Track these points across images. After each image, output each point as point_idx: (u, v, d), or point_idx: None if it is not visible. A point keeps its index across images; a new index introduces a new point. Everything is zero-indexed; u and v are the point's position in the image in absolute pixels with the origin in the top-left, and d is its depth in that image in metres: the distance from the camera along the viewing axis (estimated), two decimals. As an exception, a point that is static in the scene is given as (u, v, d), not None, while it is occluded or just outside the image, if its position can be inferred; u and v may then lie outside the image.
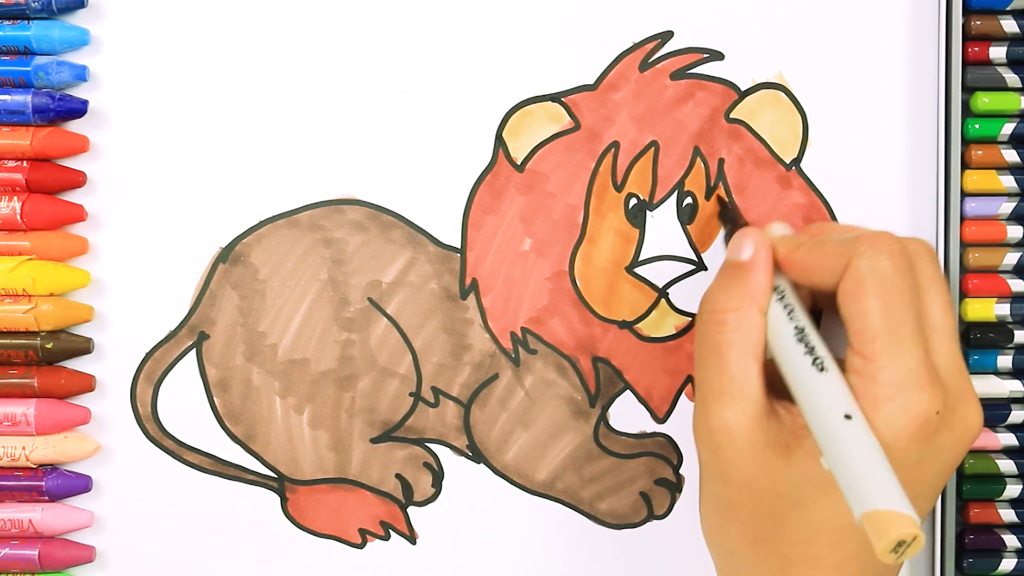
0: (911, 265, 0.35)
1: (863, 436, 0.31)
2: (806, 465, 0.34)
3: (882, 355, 0.34)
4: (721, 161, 0.43)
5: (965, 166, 0.43)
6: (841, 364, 0.34)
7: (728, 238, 0.40)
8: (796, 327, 0.35)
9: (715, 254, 0.43)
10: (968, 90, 0.43)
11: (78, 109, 0.42)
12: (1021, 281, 0.43)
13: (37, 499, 0.43)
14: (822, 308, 0.39)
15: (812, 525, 0.35)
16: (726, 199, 0.42)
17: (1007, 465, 0.43)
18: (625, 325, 0.43)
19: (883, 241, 0.35)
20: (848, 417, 0.32)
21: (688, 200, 0.43)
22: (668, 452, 0.44)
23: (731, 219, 0.41)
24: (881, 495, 0.30)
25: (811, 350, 0.34)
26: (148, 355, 0.43)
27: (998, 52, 0.43)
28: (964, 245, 0.43)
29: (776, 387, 0.36)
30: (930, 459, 0.35)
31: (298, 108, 0.43)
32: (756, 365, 0.35)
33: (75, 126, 0.43)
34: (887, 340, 0.34)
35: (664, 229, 0.43)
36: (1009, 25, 0.43)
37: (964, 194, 0.43)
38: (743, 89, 0.43)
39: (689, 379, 0.44)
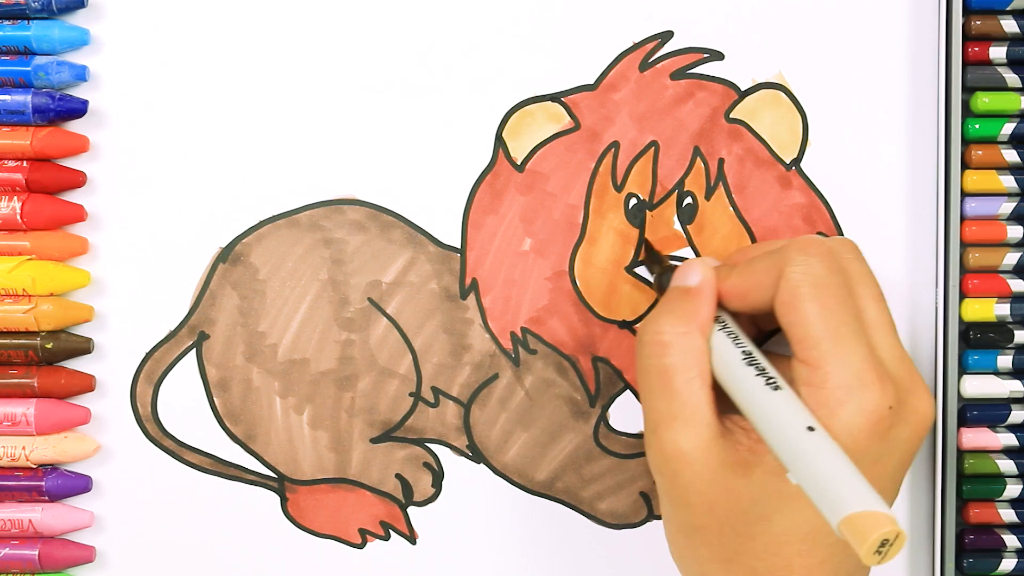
0: (841, 265, 0.35)
1: (827, 446, 0.31)
2: (767, 480, 0.34)
3: (827, 359, 0.34)
4: (721, 161, 0.43)
5: (965, 166, 0.43)
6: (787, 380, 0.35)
7: (657, 281, 0.41)
8: (743, 351, 0.35)
9: (715, 254, 0.43)
10: (968, 90, 0.43)
11: (78, 109, 0.42)
12: (1021, 281, 0.43)
13: (37, 499, 0.43)
14: (762, 337, 0.40)
15: (779, 536, 0.35)
16: (652, 244, 0.42)
17: (1007, 465, 0.43)
18: (625, 325, 0.43)
19: (810, 246, 0.35)
20: (811, 429, 0.32)
21: (688, 200, 0.43)
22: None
23: (658, 260, 0.41)
24: (855, 499, 0.29)
25: (762, 371, 0.34)
26: (148, 355, 0.43)
27: (998, 52, 0.43)
28: (964, 245, 0.43)
29: (723, 406, 0.36)
30: (888, 455, 0.35)
31: (298, 108, 0.43)
32: (704, 388, 0.35)
33: (75, 126, 0.43)
34: (830, 343, 0.34)
35: (664, 229, 0.43)
36: (1009, 25, 0.43)
37: (964, 194, 0.43)
38: (743, 89, 0.43)
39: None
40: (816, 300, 0.34)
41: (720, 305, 0.37)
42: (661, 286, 0.40)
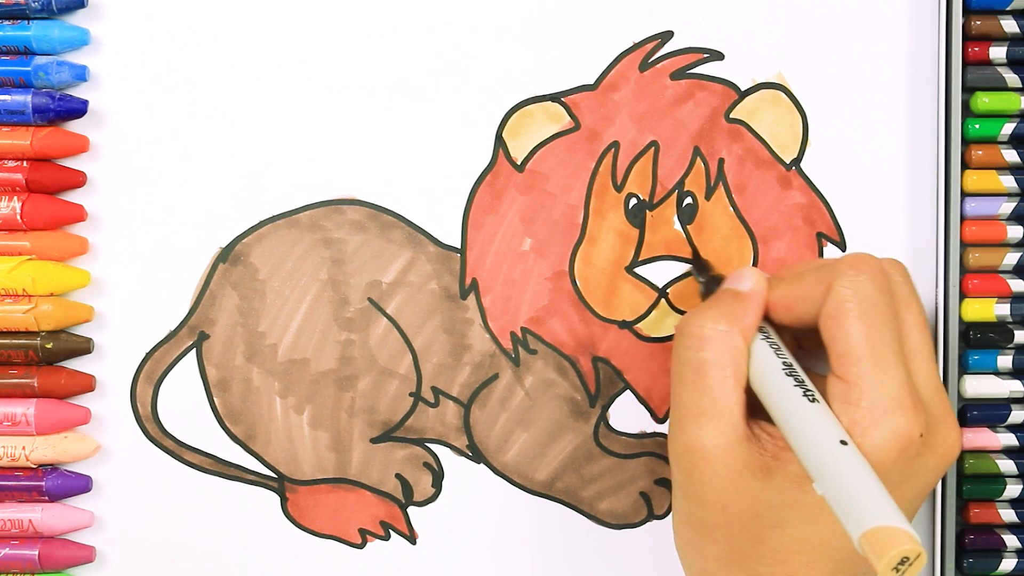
0: (890, 286, 0.35)
1: (857, 461, 0.32)
2: (787, 488, 0.34)
3: (866, 378, 0.34)
4: (721, 161, 0.43)
5: (965, 166, 0.43)
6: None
7: (704, 288, 0.41)
8: (784, 362, 0.35)
9: (715, 254, 0.43)
10: (968, 90, 0.43)
11: (78, 109, 0.42)
12: (1021, 281, 0.43)
13: (37, 499, 0.43)
14: (805, 349, 0.40)
15: (789, 545, 0.35)
16: (699, 253, 0.43)
17: (1007, 465, 0.43)
18: (625, 325, 0.43)
19: (862, 263, 0.35)
20: (843, 443, 0.32)
21: (688, 200, 0.43)
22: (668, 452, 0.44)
23: (705, 268, 0.42)
24: (879, 514, 0.30)
25: (801, 382, 0.34)
26: (148, 355, 0.43)
27: (998, 52, 0.43)
28: (964, 245, 0.43)
29: (751, 409, 0.36)
30: (911, 481, 0.35)
31: (298, 108, 0.43)
32: (737, 389, 0.35)
33: (75, 126, 0.43)
34: (870, 363, 0.34)
35: (664, 229, 0.43)
36: (1009, 25, 0.43)
37: (964, 194, 0.43)
38: (743, 89, 0.43)
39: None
40: (862, 318, 0.34)
41: (766, 318, 0.37)
42: (707, 294, 0.40)
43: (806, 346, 0.40)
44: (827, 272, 0.35)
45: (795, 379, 0.34)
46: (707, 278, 0.41)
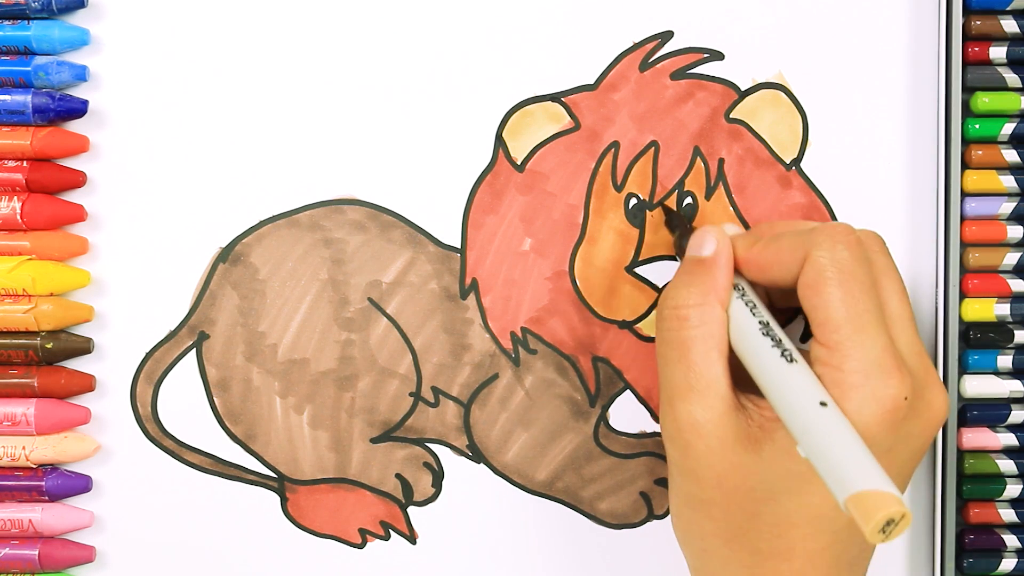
0: (867, 255, 0.36)
1: (839, 422, 0.32)
2: (776, 458, 0.34)
3: (847, 343, 0.34)
4: (721, 161, 0.43)
5: (965, 166, 0.43)
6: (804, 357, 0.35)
7: (677, 244, 0.41)
8: (760, 322, 0.35)
9: (715, 254, 0.43)
10: (968, 90, 0.43)
11: (78, 109, 0.42)
12: (1021, 281, 0.43)
13: (37, 499, 0.43)
14: (778, 307, 0.40)
15: (785, 518, 0.35)
16: (672, 208, 0.42)
17: (1007, 465, 0.43)
18: (625, 325, 0.43)
19: (840, 232, 0.35)
20: (823, 404, 0.32)
21: (688, 200, 0.43)
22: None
23: (678, 225, 0.41)
24: (864, 477, 0.30)
25: (778, 343, 0.34)
26: (148, 355, 0.43)
27: (998, 52, 0.43)
28: (964, 245, 0.43)
29: (738, 381, 0.36)
30: (899, 446, 0.35)
31: (298, 108, 0.43)
32: (721, 360, 0.35)
33: (75, 126, 0.43)
34: (851, 328, 0.34)
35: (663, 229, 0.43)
36: (1009, 25, 0.43)
37: (964, 194, 0.43)
38: (743, 89, 0.43)
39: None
40: (840, 285, 0.34)
41: (739, 273, 0.37)
42: (681, 249, 0.40)
43: (778, 304, 0.40)
44: (804, 240, 0.36)
45: (772, 339, 0.34)
46: (679, 234, 0.41)
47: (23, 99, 0.41)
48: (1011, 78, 0.43)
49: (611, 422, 0.44)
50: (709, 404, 0.35)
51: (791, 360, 0.34)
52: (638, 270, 0.43)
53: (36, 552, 0.42)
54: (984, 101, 0.43)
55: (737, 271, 0.37)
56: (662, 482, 0.44)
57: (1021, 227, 0.43)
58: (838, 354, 0.34)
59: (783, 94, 0.43)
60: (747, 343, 0.35)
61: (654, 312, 0.43)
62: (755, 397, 0.36)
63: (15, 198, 0.42)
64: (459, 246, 0.43)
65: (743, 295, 0.36)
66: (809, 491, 0.34)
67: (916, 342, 0.36)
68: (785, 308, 0.40)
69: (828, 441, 0.31)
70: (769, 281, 0.37)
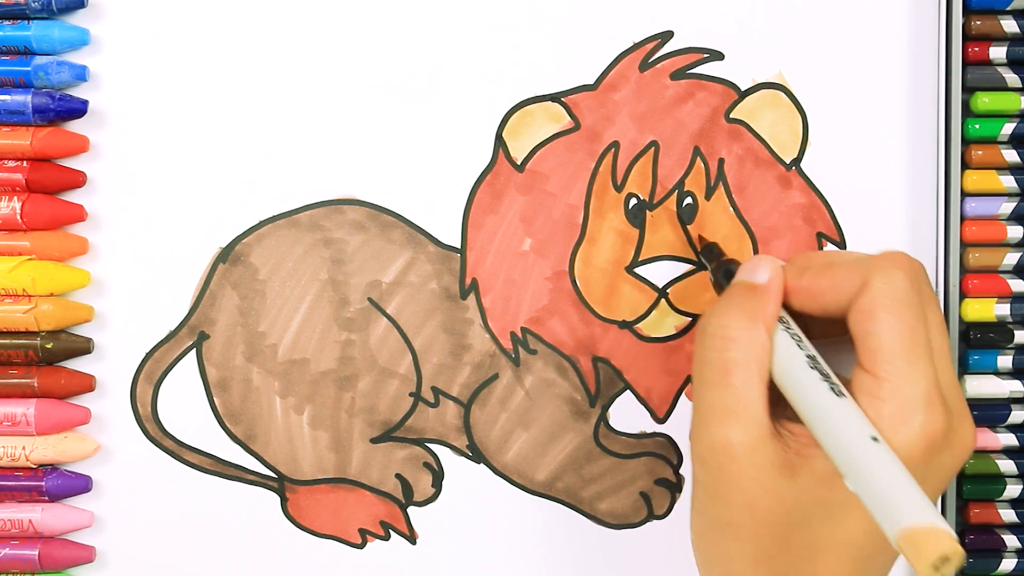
0: (919, 286, 0.35)
1: (890, 457, 0.32)
2: (812, 486, 0.34)
3: (897, 375, 0.34)
4: (721, 161, 0.43)
5: (965, 166, 0.43)
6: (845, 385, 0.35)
7: (715, 276, 0.40)
8: (808, 355, 0.35)
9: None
10: (968, 90, 0.43)
11: (78, 109, 0.42)
12: (1021, 281, 0.43)
13: (37, 499, 0.43)
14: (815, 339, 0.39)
15: (814, 543, 0.35)
16: (708, 240, 0.42)
17: (1007, 465, 0.43)
18: (625, 325, 0.43)
19: (900, 260, 0.35)
20: (875, 439, 0.32)
21: (688, 200, 0.43)
22: (668, 452, 0.44)
23: (715, 255, 0.41)
24: (917, 513, 0.29)
25: (826, 376, 0.34)
26: (148, 355, 0.43)
27: (998, 52, 0.43)
28: (964, 245, 0.43)
29: (774, 408, 0.36)
30: (930, 478, 0.35)
31: (298, 108, 0.43)
32: (762, 386, 0.35)
33: (75, 126, 0.43)
34: (904, 360, 0.34)
35: (664, 229, 0.43)
36: (1009, 25, 0.43)
37: (964, 194, 0.43)
38: (743, 89, 0.43)
39: (689, 379, 0.44)
40: (898, 315, 0.34)
41: (784, 305, 0.37)
42: (717, 281, 0.40)
43: (815, 334, 0.39)
44: (862, 267, 0.35)
45: (820, 372, 0.34)
46: (718, 264, 0.40)
47: (23, 99, 0.41)
48: (1011, 78, 0.43)
49: (611, 422, 0.44)
50: (746, 428, 0.34)
51: (840, 394, 0.33)
52: (638, 270, 0.43)
53: (36, 552, 0.42)
54: (984, 101, 0.43)
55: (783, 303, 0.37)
56: (662, 482, 0.44)
57: (1021, 227, 0.43)
58: (888, 385, 0.34)
59: (783, 94, 0.43)
60: (792, 375, 0.35)
61: (654, 312, 0.43)
62: (788, 423, 0.35)
63: (15, 198, 0.42)
64: (459, 246, 0.43)
65: (788, 327, 0.36)
66: (841, 519, 0.34)
67: (953, 376, 0.36)
68: (821, 337, 0.39)
69: (880, 477, 0.31)
70: (820, 309, 0.36)
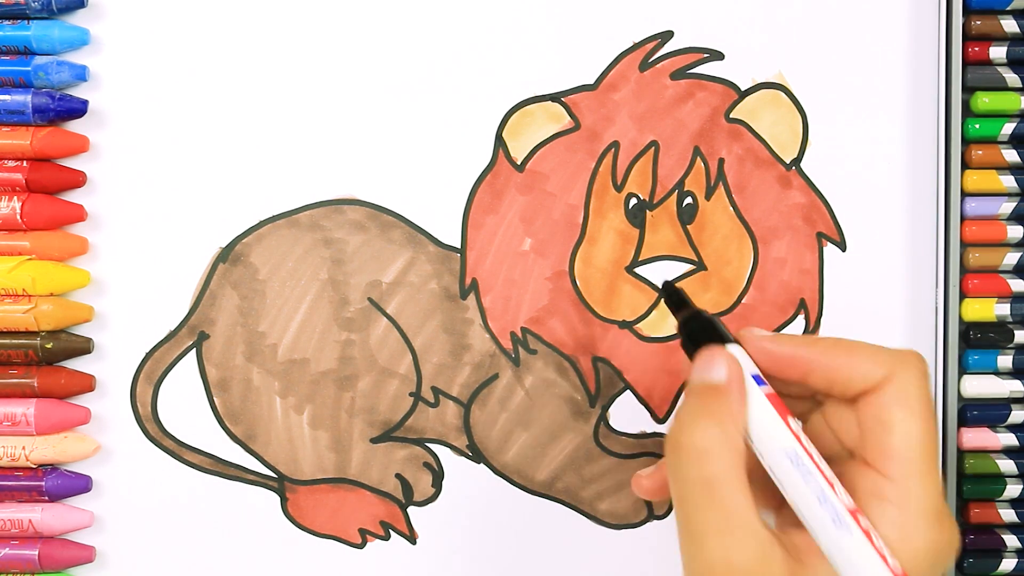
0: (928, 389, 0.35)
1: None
2: None
3: (916, 481, 0.33)
4: (721, 161, 0.43)
5: (965, 166, 0.43)
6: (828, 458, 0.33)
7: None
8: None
9: (715, 254, 0.43)
10: (968, 90, 0.43)
11: (78, 109, 0.42)
12: (1021, 281, 0.43)
13: (37, 499, 0.43)
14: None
15: None
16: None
17: (1007, 465, 0.43)
18: (625, 325, 0.43)
19: (921, 361, 0.34)
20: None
21: (688, 200, 0.43)
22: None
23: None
24: None
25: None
26: (148, 355, 0.43)
27: (998, 52, 0.43)
28: (964, 245, 0.43)
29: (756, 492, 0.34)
30: None
31: (298, 108, 0.43)
32: (747, 493, 0.33)
33: (75, 126, 0.43)
34: (922, 466, 0.33)
35: (664, 229, 0.43)
36: (1009, 25, 0.43)
37: (964, 194, 0.43)
38: (743, 89, 0.43)
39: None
40: (921, 418, 0.33)
41: (763, 380, 0.34)
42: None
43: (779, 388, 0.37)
44: (888, 358, 0.34)
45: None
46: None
47: (23, 99, 0.41)
48: (1011, 78, 0.43)
49: (611, 422, 0.44)
50: (744, 544, 0.32)
51: (851, 532, 0.32)
52: (638, 270, 0.43)
53: (36, 552, 0.42)
54: (984, 101, 0.43)
55: (765, 382, 0.34)
56: (662, 482, 0.44)
57: (1021, 227, 0.43)
58: (902, 491, 0.33)
59: (783, 94, 0.43)
60: (796, 503, 0.33)
61: (654, 312, 0.43)
62: (788, 530, 0.34)
63: (15, 198, 0.42)
64: (459, 246, 0.43)
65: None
66: None
67: (940, 480, 0.35)
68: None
69: None
70: (827, 386, 0.35)
